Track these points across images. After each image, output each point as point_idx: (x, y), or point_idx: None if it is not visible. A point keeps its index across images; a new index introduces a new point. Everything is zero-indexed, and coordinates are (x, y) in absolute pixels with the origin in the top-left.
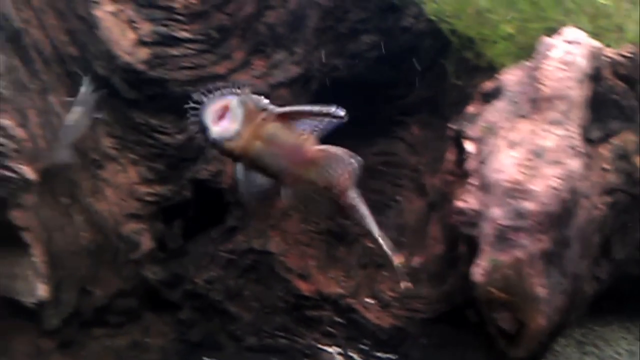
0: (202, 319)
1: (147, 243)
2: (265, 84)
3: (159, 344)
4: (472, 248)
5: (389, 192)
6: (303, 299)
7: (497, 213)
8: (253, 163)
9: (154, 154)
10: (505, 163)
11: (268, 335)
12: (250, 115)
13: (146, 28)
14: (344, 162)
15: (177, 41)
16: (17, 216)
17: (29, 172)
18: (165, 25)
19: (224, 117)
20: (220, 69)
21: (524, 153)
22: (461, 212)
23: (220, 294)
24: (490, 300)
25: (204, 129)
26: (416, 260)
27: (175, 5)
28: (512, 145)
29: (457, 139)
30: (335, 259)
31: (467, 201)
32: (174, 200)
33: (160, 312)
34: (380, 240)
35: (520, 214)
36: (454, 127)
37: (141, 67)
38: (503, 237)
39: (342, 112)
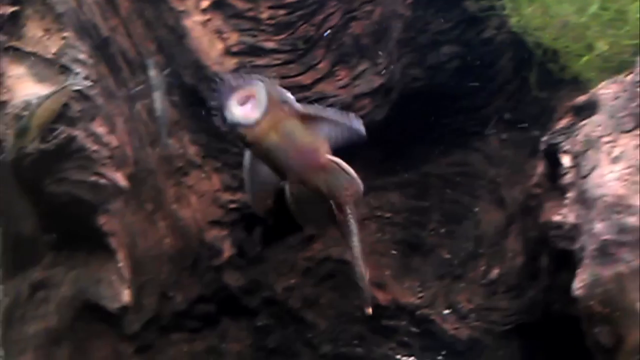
0: (279, 326)
1: (228, 250)
2: (349, 94)
3: (236, 350)
4: (565, 262)
5: (465, 203)
6: (379, 308)
7: (599, 228)
8: (264, 154)
9: (237, 162)
10: (607, 178)
11: (344, 344)
12: (272, 106)
13: (233, 38)
14: (350, 179)
15: (263, 51)
16: (104, 222)
17: (120, 179)
18: (252, 36)
19: (247, 102)
20: (306, 79)
21: (627, 168)
22: (558, 226)
23: (298, 301)
24: (590, 314)
25: (224, 111)
26: (494, 272)
27: (262, 15)
28: (615, 160)
29: (550, 153)
30: (410, 269)
31: (564, 215)
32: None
33: (238, 318)
34: (359, 261)
35: (623, 229)
36: (546, 140)
37: None
38: (605, 252)
39: (362, 128)
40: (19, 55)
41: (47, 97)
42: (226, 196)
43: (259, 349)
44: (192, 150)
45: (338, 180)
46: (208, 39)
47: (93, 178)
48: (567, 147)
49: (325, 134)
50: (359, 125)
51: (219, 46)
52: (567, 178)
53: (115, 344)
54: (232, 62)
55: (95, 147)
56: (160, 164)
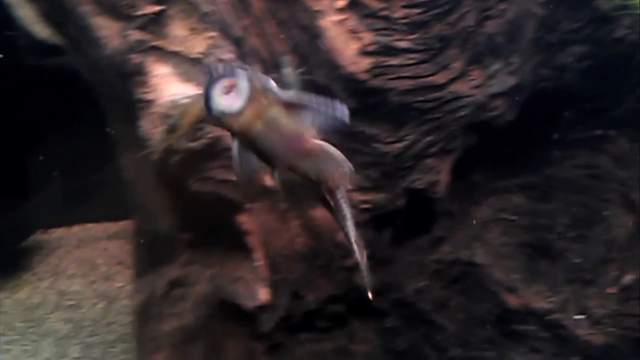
0: (407, 328)
1: None
2: (483, 94)
3: (364, 351)
4: None
5: (593, 206)
6: (509, 312)
7: None
8: (250, 142)
9: (370, 162)
10: None
11: (473, 348)
12: (256, 94)
13: (368, 38)
14: (338, 162)
15: (397, 51)
16: (243, 220)
17: (267, 178)
18: (386, 35)
19: (231, 92)
20: (439, 78)
21: None
22: None
23: (429, 303)
24: None
25: (208, 101)
26: (628, 278)
27: (396, 15)
28: None
29: None
30: (538, 273)
31: None
32: (387, 209)
33: (366, 319)
34: (355, 246)
35: None
36: None
37: (363, 76)
38: None
39: (345, 113)
40: (163, 54)
41: (197, 96)
42: (357, 196)
43: (387, 351)
44: None
45: (324, 163)
46: (343, 39)
47: None
48: None
49: (309, 120)
50: (342, 112)
51: (354, 46)
52: None
53: (248, 342)
54: (366, 62)
55: None
56: None
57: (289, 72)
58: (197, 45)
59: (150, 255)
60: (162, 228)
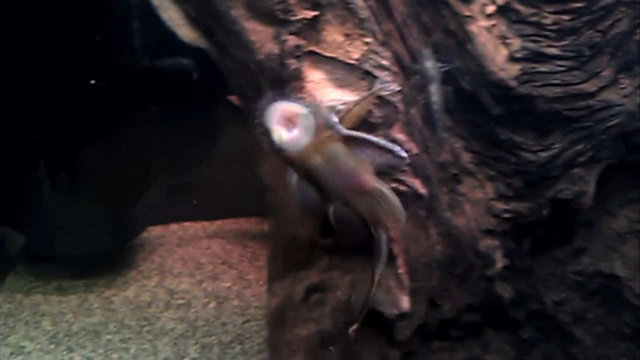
0: (544, 340)
1: (500, 260)
2: (633, 102)
3: None
4: None
5: None
6: None
7: None
8: (308, 175)
9: (513, 170)
10: None
11: None
12: (319, 129)
13: (517, 44)
14: (393, 207)
15: (546, 57)
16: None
17: (420, 186)
18: (535, 42)
19: (294, 125)
20: (589, 86)
21: None
22: None
23: (568, 315)
24: None
25: (270, 132)
26: None
27: (546, 21)
28: None
29: None
30: None
31: None
32: (529, 219)
33: (501, 329)
34: (375, 283)
35: None
36: None
37: (512, 83)
38: None
39: (404, 154)
40: (318, 60)
41: (356, 102)
42: (500, 205)
43: None
44: (465, 158)
45: (380, 206)
46: (493, 45)
47: (393, 185)
48: None
49: (368, 157)
50: (400, 151)
51: (504, 52)
52: None
53: (383, 350)
54: (515, 69)
55: None
56: (435, 171)
57: (430, 65)
58: (354, 51)
59: (287, 259)
60: (302, 233)
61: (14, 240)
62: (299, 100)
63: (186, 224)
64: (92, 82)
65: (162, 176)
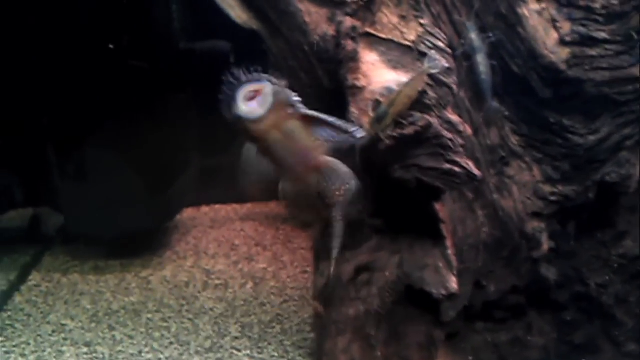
0: (586, 322)
1: (546, 242)
2: None
3: (540, 343)
4: None
5: None
6: None
7: None
8: (264, 149)
9: (561, 153)
10: None
11: None
12: (278, 105)
13: (566, 27)
14: (343, 180)
15: (595, 41)
16: (440, 209)
17: (474, 168)
18: (584, 25)
19: (254, 97)
20: (638, 71)
21: None
22: None
23: (611, 298)
24: None
25: (231, 104)
26: None
27: (595, 5)
28: None
29: None
30: None
31: None
32: (576, 202)
33: (544, 311)
34: (333, 262)
35: None
36: None
37: (562, 66)
38: None
39: (360, 134)
40: (373, 41)
41: (407, 83)
42: (547, 188)
43: (564, 344)
44: (513, 140)
45: (330, 180)
46: (543, 28)
47: (447, 166)
48: None
49: (324, 136)
50: (357, 131)
51: (554, 35)
52: None
53: (429, 330)
54: (565, 52)
55: (450, 135)
56: (484, 153)
57: (475, 37)
58: (408, 33)
59: None
60: (350, 213)
61: (52, 220)
62: (263, 76)
63: (217, 206)
64: (135, 63)
65: (198, 158)
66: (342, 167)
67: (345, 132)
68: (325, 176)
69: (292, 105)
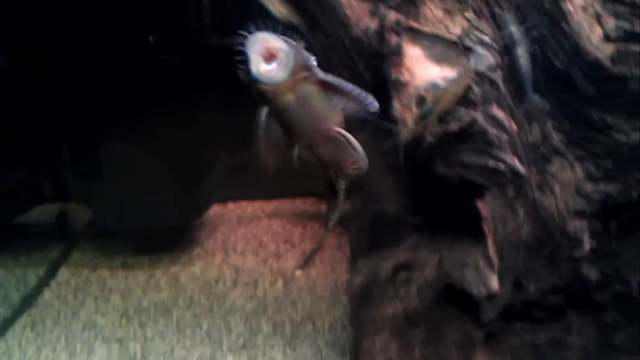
0: (627, 323)
1: (587, 242)
2: None
3: (579, 344)
4: None
5: None
6: None
7: None
8: (278, 113)
9: (604, 151)
10: None
11: None
12: (297, 68)
13: (611, 23)
14: (354, 154)
15: (639, 38)
16: (482, 206)
17: (519, 165)
18: (629, 21)
19: (274, 58)
20: None
21: None
22: None
23: None
24: None
25: (249, 64)
26: None
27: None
28: None
29: None
30: None
31: None
32: (618, 200)
33: (584, 312)
34: (332, 222)
35: None
36: None
37: (607, 63)
38: None
39: (376, 105)
40: (416, 35)
41: (454, 80)
42: (589, 186)
43: (604, 345)
44: (555, 137)
45: (341, 152)
46: (587, 24)
47: (491, 162)
48: None
49: (340, 104)
50: (372, 102)
51: (599, 31)
52: None
53: (467, 329)
54: (609, 48)
55: (495, 131)
56: (525, 150)
57: (515, 29)
58: (453, 27)
59: (372, 237)
60: (389, 210)
61: (81, 215)
62: (281, 36)
63: (243, 203)
64: (166, 58)
65: (225, 155)
66: (356, 143)
67: (362, 102)
68: (338, 147)
69: (309, 68)
